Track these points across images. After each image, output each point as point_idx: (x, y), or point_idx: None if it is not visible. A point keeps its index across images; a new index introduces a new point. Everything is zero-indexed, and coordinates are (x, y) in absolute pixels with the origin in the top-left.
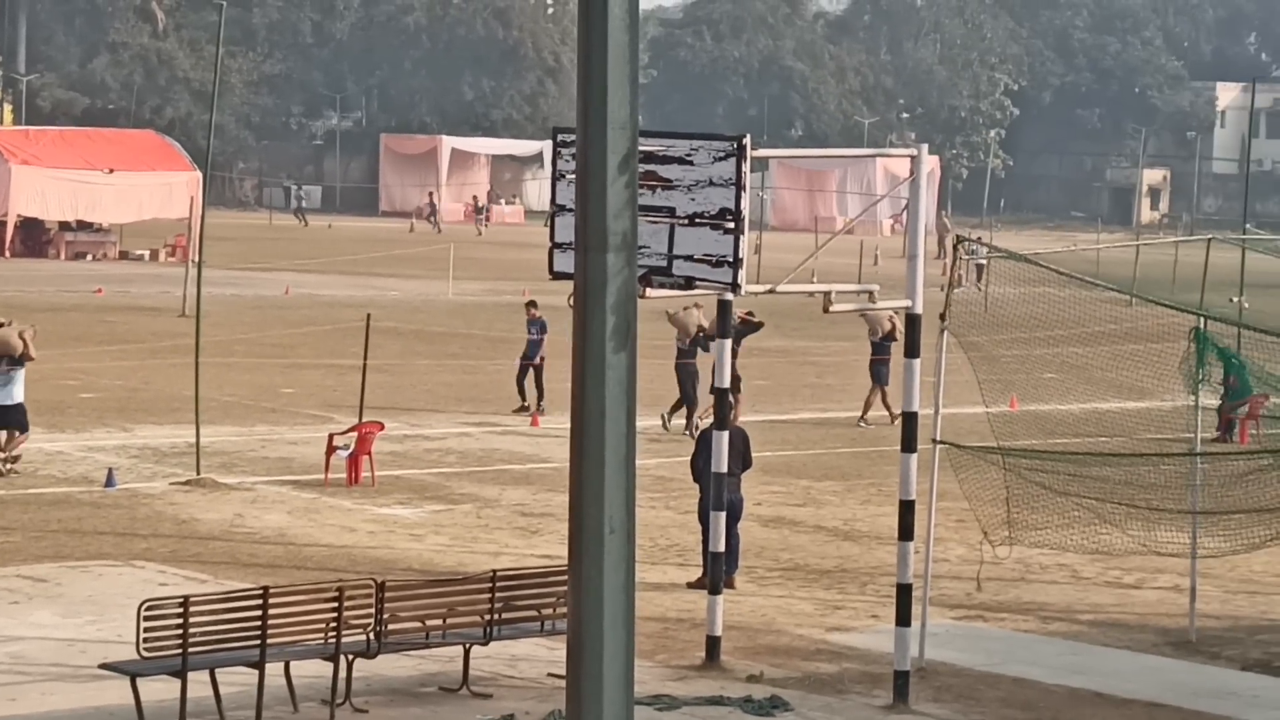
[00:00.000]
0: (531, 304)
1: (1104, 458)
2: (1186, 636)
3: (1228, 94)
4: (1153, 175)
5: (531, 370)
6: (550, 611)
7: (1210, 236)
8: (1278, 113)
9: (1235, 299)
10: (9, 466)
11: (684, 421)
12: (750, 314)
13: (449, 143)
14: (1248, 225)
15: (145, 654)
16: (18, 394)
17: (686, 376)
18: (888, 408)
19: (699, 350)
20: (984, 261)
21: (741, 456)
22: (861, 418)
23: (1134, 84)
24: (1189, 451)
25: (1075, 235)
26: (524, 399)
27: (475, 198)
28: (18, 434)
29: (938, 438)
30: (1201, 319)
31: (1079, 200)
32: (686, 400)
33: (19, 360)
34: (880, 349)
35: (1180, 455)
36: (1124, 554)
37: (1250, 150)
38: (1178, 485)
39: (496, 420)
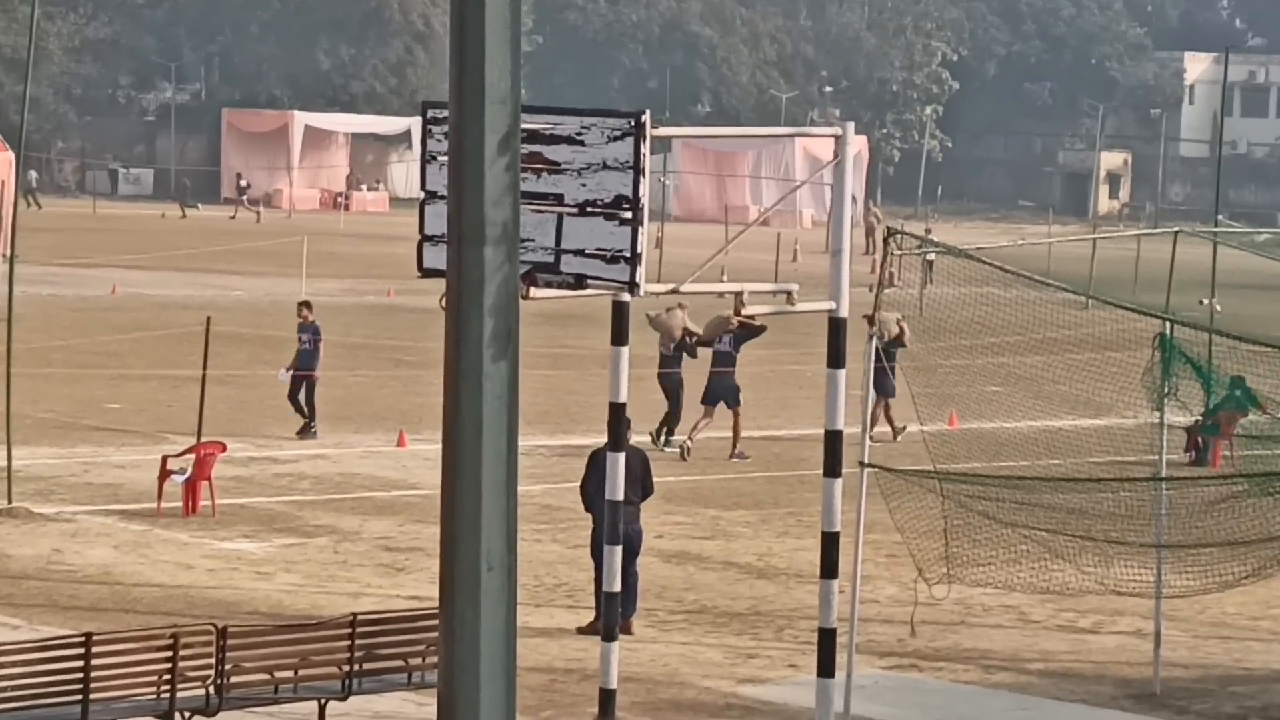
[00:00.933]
0: (305, 305)
1: (1056, 483)
2: (1150, 688)
3: (1197, 66)
4: (1112, 159)
5: (305, 384)
6: (419, 661)
7: (1177, 229)
8: (1254, 87)
9: (1206, 301)
10: None
11: (677, 436)
12: (751, 317)
13: (302, 119)
14: (1220, 216)
15: None
16: None
17: (673, 386)
18: (890, 422)
19: (685, 356)
20: (933, 257)
21: (640, 482)
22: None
23: (1090, 54)
24: (1153, 476)
25: (1023, 227)
26: (305, 417)
27: (355, 179)
28: None
29: (866, 460)
30: (1168, 324)
31: (1027, 187)
32: (673, 412)
33: None
34: (884, 357)
35: (1143, 480)
36: (1079, 594)
37: (1223, 130)
38: (1140, 515)
39: (357, 440)
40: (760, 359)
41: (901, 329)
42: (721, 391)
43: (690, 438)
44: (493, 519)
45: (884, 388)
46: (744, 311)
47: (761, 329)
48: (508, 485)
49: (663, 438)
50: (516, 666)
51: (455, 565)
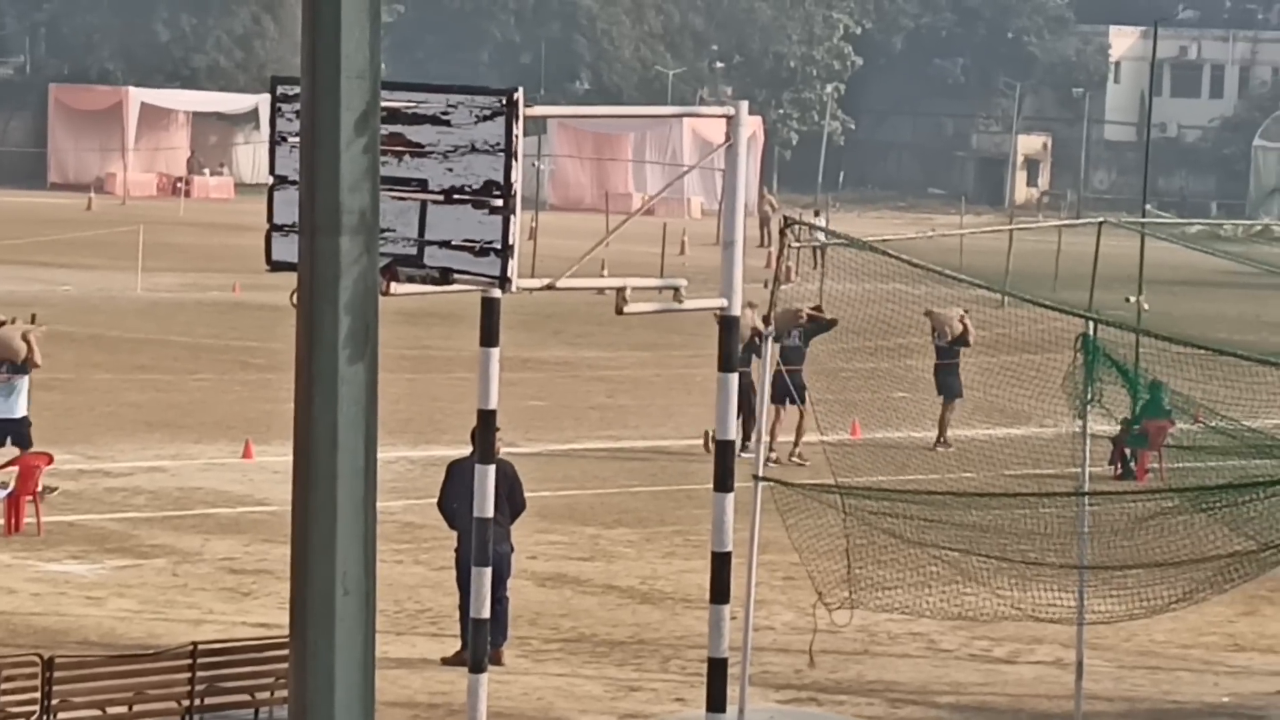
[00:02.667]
0: None
1: (969, 499)
2: None
3: (1123, 41)
4: (1030, 143)
5: None
6: (267, 695)
7: (1102, 220)
8: (1185, 64)
9: (1133, 298)
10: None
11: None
12: (818, 309)
13: (137, 96)
14: (1148, 206)
15: None
16: (22, 406)
17: (743, 389)
18: (944, 427)
19: (753, 357)
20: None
21: (509, 498)
22: (939, 439)
23: (1006, 27)
24: (1075, 491)
25: (933, 217)
26: None
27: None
28: (19, 450)
29: (760, 473)
30: (1091, 323)
31: (938, 173)
32: (746, 416)
33: (22, 366)
34: (947, 354)
35: (1064, 495)
36: (994, 620)
37: (1151, 112)
38: (1061, 533)
39: (199, 450)
40: (643, 362)
41: (965, 326)
42: (790, 391)
43: (796, 447)
44: (349, 538)
45: (950, 389)
46: (807, 309)
47: (833, 322)
48: (365, 501)
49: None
50: (375, 701)
51: (308, 589)
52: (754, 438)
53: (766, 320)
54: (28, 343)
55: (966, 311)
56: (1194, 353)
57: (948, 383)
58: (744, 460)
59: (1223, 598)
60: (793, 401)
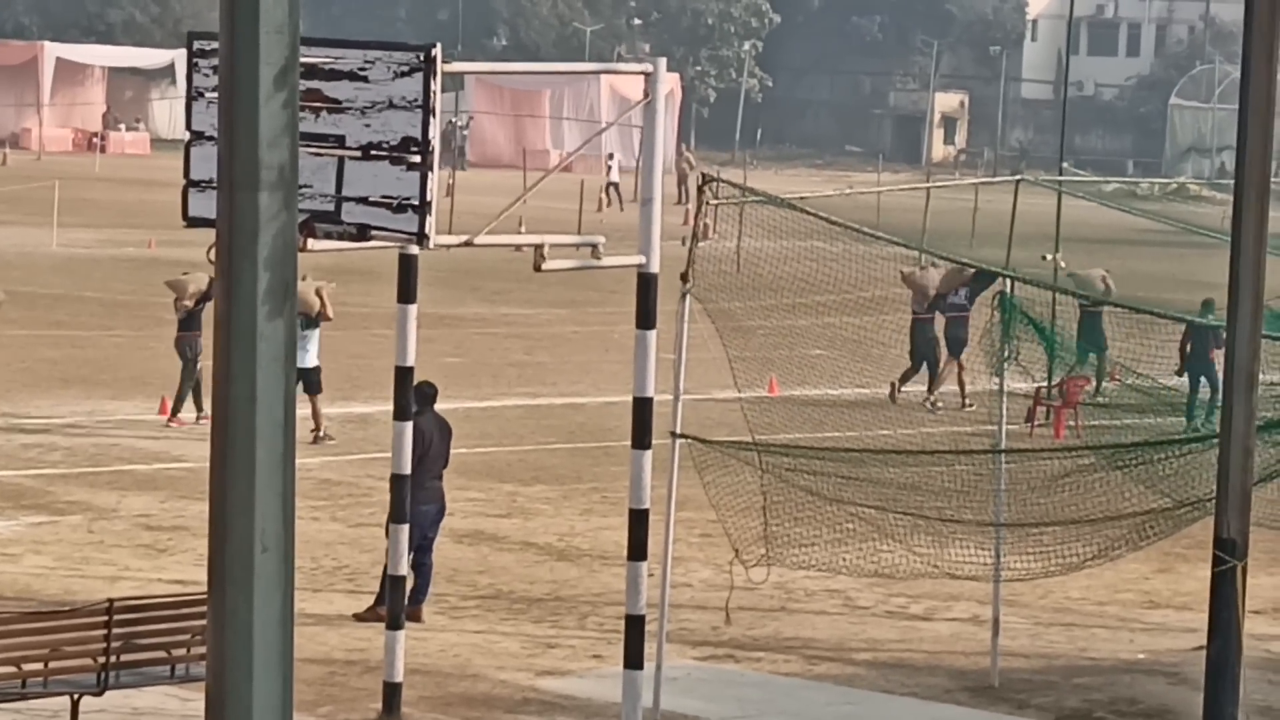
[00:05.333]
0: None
1: (886, 456)
2: (988, 680)
3: None
4: (947, 100)
5: None
6: (184, 652)
7: (1019, 177)
8: (1102, 23)
9: (1050, 256)
10: (321, 434)
11: (925, 391)
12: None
13: (52, 51)
14: (1065, 164)
15: None
16: (313, 355)
17: (927, 345)
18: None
19: (936, 313)
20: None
21: (446, 455)
22: (963, 399)
23: None
24: (991, 448)
25: (851, 175)
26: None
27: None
28: (310, 397)
29: (678, 430)
30: (1008, 281)
31: (855, 131)
32: (929, 368)
33: (314, 320)
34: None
35: (981, 453)
36: (910, 577)
37: (1068, 70)
38: (978, 491)
39: (115, 407)
40: (561, 319)
41: (1107, 285)
42: (953, 344)
43: (963, 396)
44: (268, 495)
45: (1096, 344)
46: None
47: (994, 277)
48: (284, 458)
49: (898, 391)
50: (293, 657)
51: (226, 546)
52: (934, 390)
53: (684, 277)
54: (320, 298)
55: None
56: (1110, 311)
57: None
58: (936, 412)
59: (1138, 555)
60: (954, 355)
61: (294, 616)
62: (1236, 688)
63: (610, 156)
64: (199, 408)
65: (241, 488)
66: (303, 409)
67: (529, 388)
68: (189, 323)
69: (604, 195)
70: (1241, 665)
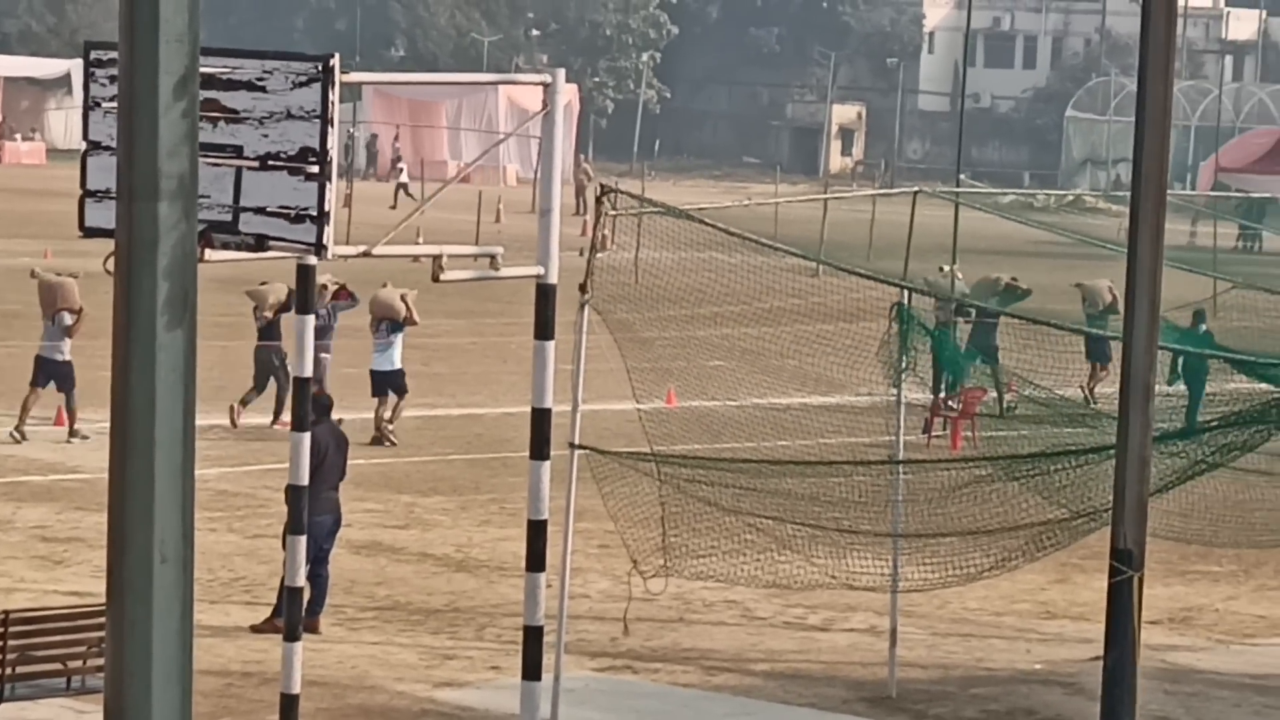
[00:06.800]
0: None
1: (784, 467)
2: (885, 690)
3: (937, 12)
4: (844, 112)
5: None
6: (80, 664)
7: (916, 189)
8: (999, 35)
9: (947, 268)
10: (390, 429)
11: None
12: (1015, 280)
13: None
14: (961, 175)
15: None
16: (397, 359)
17: (981, 349)
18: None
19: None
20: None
21: (344, 466)
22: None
23: None
24: (889, 459)
25: (749, 186)
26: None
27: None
28: (397, 399)
29: (576, 441)
30: (905, 292)
31: (753, 143)
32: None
33: (399, 324)
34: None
35: (878, 464)
36: (808, 587)
37: (965, 82)
38: (875, 501)
39: (9, 418)
40: (460, 330)
41: (1113, 295)
42: (982, 351)
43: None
44: (167, 506)
45: (1102, 354)
46: (1007, 279)
47: (1028, 292)
48: (184, 468)
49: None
50: (192, 669)
51: (125, 558)
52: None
53: (582, 288)
54: (405, 304)
55: (1114, 281)
56: (1006, 322)
57: (1100, 349)
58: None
59: (1035, 565)
60: (985, 361)
61: (193, 628)
62: (1133, 698)
63: (398, 159)
64: (276, 413)
65: (140, 498)
66: (425, 410)
67: (426, 398)
68: (269, 333)
69: (395, 198)
70: (1138, 675)
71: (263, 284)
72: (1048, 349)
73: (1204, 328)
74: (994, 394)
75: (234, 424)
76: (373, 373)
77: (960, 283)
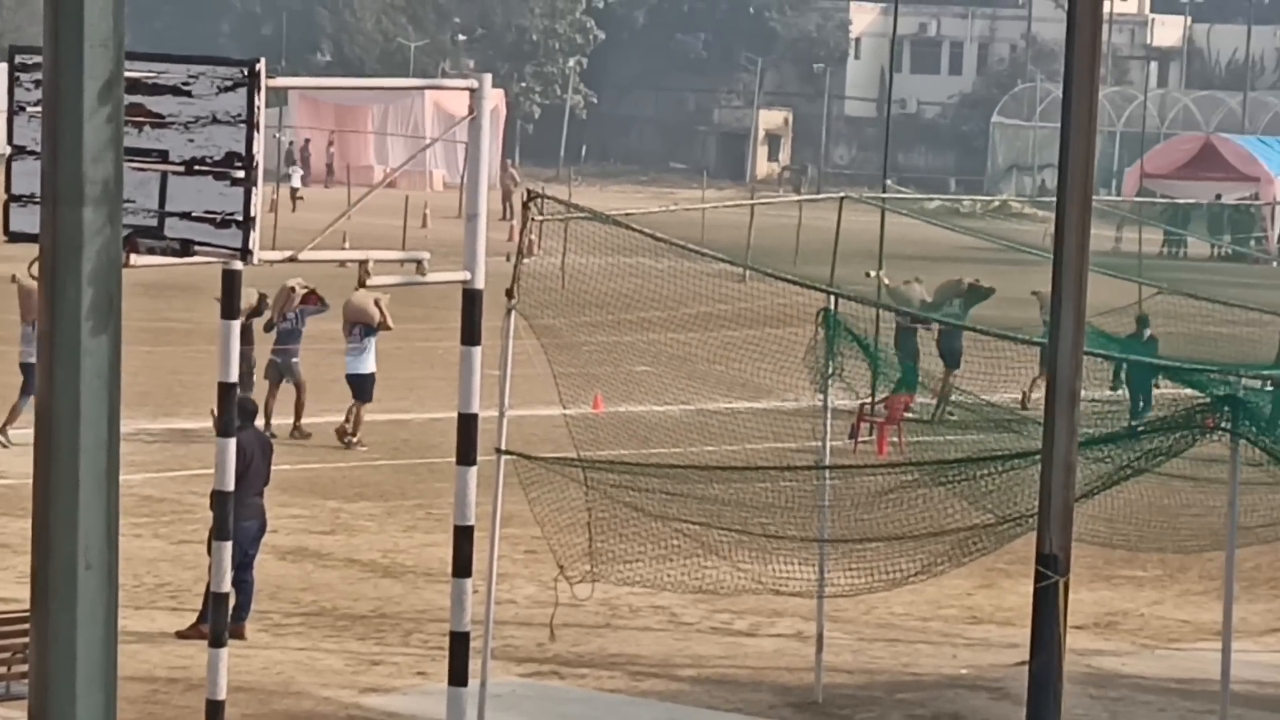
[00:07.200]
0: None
1: (710, 472)
2: (811, 696)
3: (864, 17)
4: (771, 118)
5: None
6: (5, 670)
7: (843, 195)
8: (925, 41)
9: (874, 273)
10: (354, 440)
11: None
12: (977, 281)
13: None
14: (888, 181)
15: None
16: (371, 363)
17: (908, 354)
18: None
19: (920, 328)
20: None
21: (267, 472)
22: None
23: (748, 3)
24: (815, 464)
25: (675, 192)
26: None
27: None
28: (360, 405)
29: (502, 446)
30: (832, 298)
31: (680, 148)
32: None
33: (372, 329)
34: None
35: (805, 469)
36: (735, 593)
37: (892, 88)
38: (802, 507)
39: None
40: (385, 335)
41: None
42: (948, 355)
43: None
44: (92, 512)
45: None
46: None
47: (991, 291)
48: (108, 474)
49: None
50: (117, 676)
51: (49, 564)
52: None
53: (509, 293)
54: (379, 308)
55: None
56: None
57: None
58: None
59: (961, 571)
60: (950, 366)
61: (118, 634)
62: (1058, 703)
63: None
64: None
65: (65, 505)
66: (394, 414)
67: (352, 404)
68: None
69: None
70: (1063, 680)
71: None
72: (972, 355)
73: (1148, 333)
74: (921, 400)
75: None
76: (348, 376)
77: (920, 287)
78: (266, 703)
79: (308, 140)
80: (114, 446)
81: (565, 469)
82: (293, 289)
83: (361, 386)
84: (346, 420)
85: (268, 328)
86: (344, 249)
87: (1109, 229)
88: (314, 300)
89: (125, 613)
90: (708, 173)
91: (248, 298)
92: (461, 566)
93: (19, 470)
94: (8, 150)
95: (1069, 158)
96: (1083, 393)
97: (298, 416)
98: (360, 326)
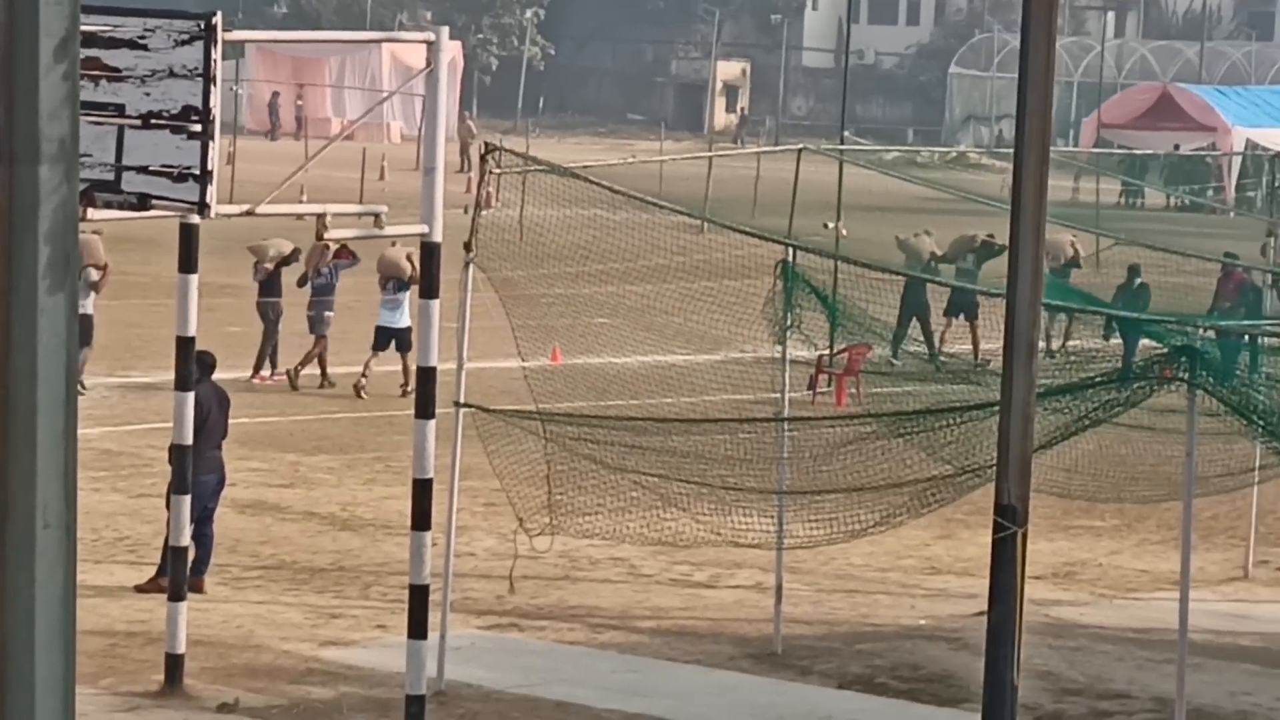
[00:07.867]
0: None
1: (669, 425)
2: (771, 647)
3: None
4: (729, 69)
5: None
6: None
7: (801, 146)
8: None
9: (832, 224)
10: (407, 388)
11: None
12: (991, 236)
13: None
14: (846, 132)
15: None
16: (407, 316)
17: (917, 304)
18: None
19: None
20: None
21: (226, 425)
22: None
23: None
24: (774, 416)
25: (633, 143)
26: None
27: None
28: (404, 356)
29: (461, 399)
30: (790, 249)
31: (637, 99)
32: (922, 328)
33: (405, 283)
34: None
35: (763, 421)
36: (694, 545)
37: (849, 39)
38: (761, 458)
39: None
40: (344, 289)
41: (1075, 250)
42: (963, 305)
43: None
44: (49, 471)
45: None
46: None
47: (1003, 248)
48: (66, 432)
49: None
50: (76, 632)
51: (7, 524)
52: (936, 348)
53: (467, 246)
54: (411, 263)
55: (1076, 236)
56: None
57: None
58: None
59: (920, 522)
60: (969, 317)
61: (76, 592)
62: (1017, 653)
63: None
64: (273, 365)
65: (22, 464)
66: (394, 365)
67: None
68: (269, 286)
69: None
70: (1021, 630)
71: (263, 239)
72: (939, 302)
73: (1139, 281)
74: (878, 351)
75: (293, 386)
76: (380, 329)
77: (930, 240)
78: (226, 656)
79: (276, 94)
80: (71, 405)
81: (524, 422)
82: (326, 245)
83: (401, 339)
84: (364, 374)
85: (300, 282)
86: (302, 202)
87: (1066, 179)
88: (346, 255)
89: (84, 567)
90: (665, 124)
91: (279, 247)
92: (420, 519)
93: None
94: None
95: (1026, 108)
96: (1075, 342)
97: (304, 363)
98: (394, 281)
